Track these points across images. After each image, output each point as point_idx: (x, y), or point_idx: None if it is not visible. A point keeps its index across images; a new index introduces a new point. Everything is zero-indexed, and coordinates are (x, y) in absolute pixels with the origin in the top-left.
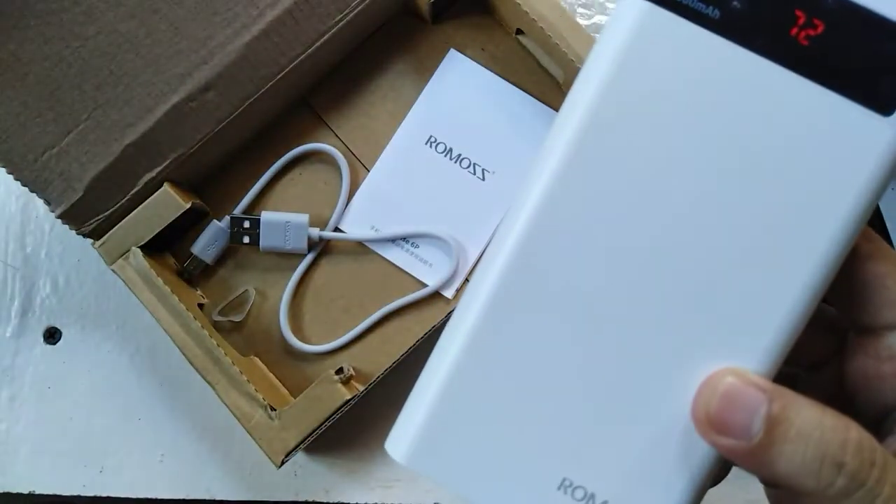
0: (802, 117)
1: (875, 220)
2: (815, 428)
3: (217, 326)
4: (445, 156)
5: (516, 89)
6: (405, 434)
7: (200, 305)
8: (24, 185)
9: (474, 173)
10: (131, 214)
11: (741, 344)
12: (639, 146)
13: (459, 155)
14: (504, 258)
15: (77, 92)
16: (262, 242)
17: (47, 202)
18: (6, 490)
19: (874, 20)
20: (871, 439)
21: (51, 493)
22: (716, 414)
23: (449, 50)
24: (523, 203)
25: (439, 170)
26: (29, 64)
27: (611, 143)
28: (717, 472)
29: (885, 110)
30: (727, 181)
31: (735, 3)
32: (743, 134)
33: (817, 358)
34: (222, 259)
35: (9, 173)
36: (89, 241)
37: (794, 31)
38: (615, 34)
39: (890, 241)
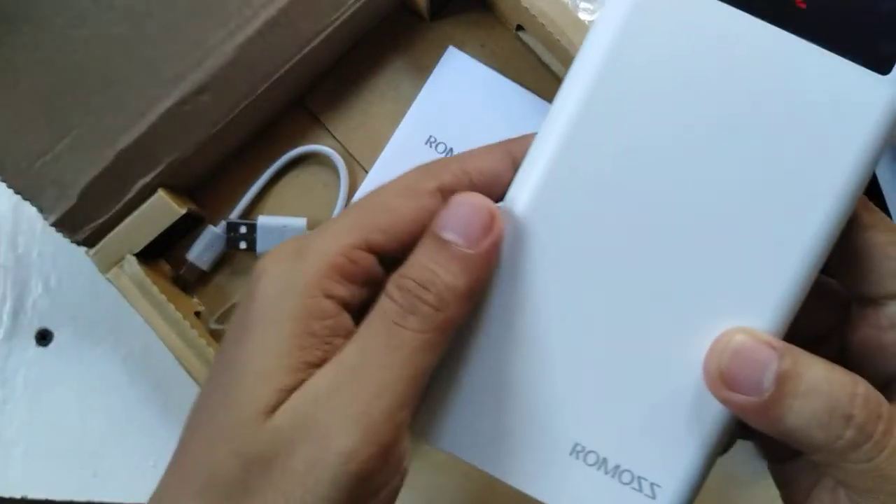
0: (802, 79)
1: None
2: (824, 382)
3: (214, 335)
4: (446, 155)
5: (517, 86)
6: (433, 418)
7: (197, 313)
8: (16, 192)
9: None
10: (125, 221)
11: (750, 304)
12: (643, 114)
13: None
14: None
15: (70, 97)
16: (260, 248)
17: (40, 210)
18: None
19: None
20: (877, 394)
21: (43, 497)
22: (727, 370)
23: (448, 47)
24: (517, 190)
25: None
26: (21, 70)
27: (613, 114)
28: (729, 436)
29: (882, 69)
30: (730, 145)
31: None
32: (744, 97)
33: (821, 329)
34: (219, 265)
35: (2, 181)
36: (83, 249)
37: None
38: (619, 2)
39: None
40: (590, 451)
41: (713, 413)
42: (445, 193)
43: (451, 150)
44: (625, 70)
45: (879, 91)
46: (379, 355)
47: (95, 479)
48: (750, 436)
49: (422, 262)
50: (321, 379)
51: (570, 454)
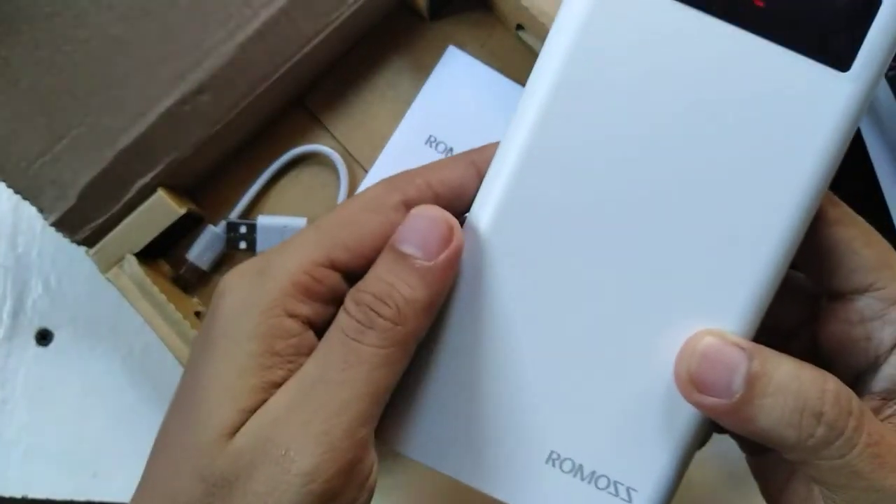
0: (763, 78)
1: (882, 212)
2: (793, 380)
3: None
4: (446, 155)
5: (518, 86)
6: (398, 423)
7: (197, 313)
8: (16, 192)
9: None
10: (125, 221)
11: (717, 306)
12: (603, 118)
13: None
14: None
15: (69, 97)
16: (259, 248)
17: (40, 210)
18: None
19: None
20: (847, 390)
21: (43, 497)
22: (696, 373)
23: (448, 47)
24: (481, 201)
25: None
26: (20, 70)
27: (574, 120)
28: (703, 434)
29: (842, 66)
30: (692, 146)
31: None
32: (706, 98)
33: (792, 325)
34: (219, 265)
35: (1, 181)
36: (83, 248)
37: None
38: (577, 3)
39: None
40: (565, 459)
41: (685, 415)
42: (410, 207)
43: (451, 149)
44: (584, 75)
45: (840, 88)
46: (337, 372)
47: (95, 479)
48: (725, 430)
49: (380, 276)
50: (281, 398)
51: (546, 462)
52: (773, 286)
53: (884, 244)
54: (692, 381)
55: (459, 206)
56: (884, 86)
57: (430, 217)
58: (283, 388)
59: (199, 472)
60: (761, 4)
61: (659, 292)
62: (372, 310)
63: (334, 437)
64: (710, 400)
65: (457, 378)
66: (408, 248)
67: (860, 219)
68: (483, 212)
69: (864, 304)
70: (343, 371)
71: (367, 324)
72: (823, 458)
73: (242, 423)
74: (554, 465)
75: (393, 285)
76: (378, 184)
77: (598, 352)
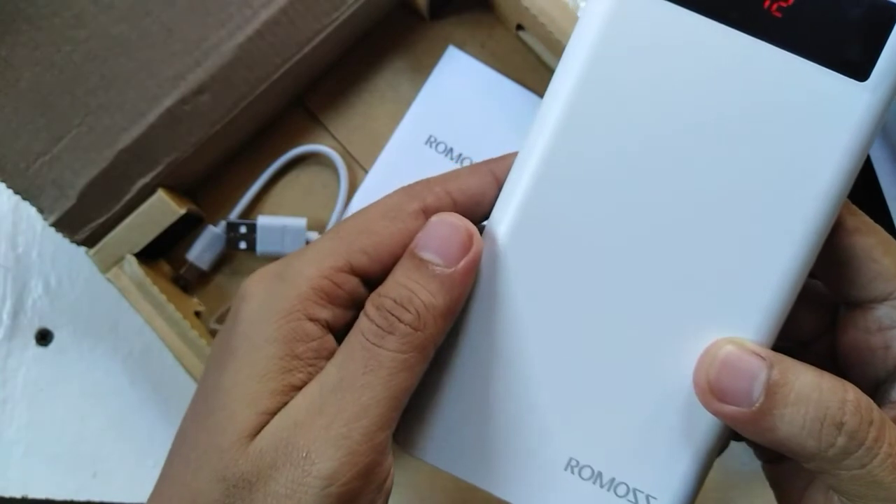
0: (782, 88)
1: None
2: (813, 390)
3: (214, 335)
4: (446, 155)
5: (518, 86)
6: (415, 429)
7: (197, 314)
8: (16, 192)
9: None
10: (125, 221)
11: (737, 314)
12: (622, 129)
13: (460, 154)
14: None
15: (69, 97)
16: (259, 248)
17: (40, 210)
18: None
19: None
20: (868, 399)
21: (43, 497)
22: (716, 381)
23: (448, 47)
24: (500, 209)
25: (439, 170)
26: (20, 69)
27: (592, 131)
28: (722, 443)
29: (859, 76)
30: (711, 156)
31: None
32: (725, 109)
33: (810, 334)
34: (218, 265)
35: (1, 181)
36: (83, 248)
37: (767, 3)
38: (595, 14)
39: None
40: (584, 466)
41: (705, 423)
42: (429, 214)
43: (451, 149)
44: (602, 86)
45: (858, 97)
46: (357, 376)
47: (95, 479)
48: (743, 438)
49: (400, 282)
50: (301, 401)
51: (565, 469)
52: (792, 295)
53: None
54: (711, 390)
55: (478, 215)
56: None
57: (450, 224)
58: (304, 391)
59: (220, 472)
60: (779, 15)
61: (678, 300)
62: (392, 314)
63: (354, 441)
64: (729, 408)
65: (474, 384)
66: (427, 255)
67: (879, 228)
68: (501, 220)
69: (883, 313)
70: (363, 375)
71: (387, 328)
72: (844, 467)
73: (263, 426)
74: (573, 472)
75: (413, 291)
76: (397, 191)
77: (616, 359)
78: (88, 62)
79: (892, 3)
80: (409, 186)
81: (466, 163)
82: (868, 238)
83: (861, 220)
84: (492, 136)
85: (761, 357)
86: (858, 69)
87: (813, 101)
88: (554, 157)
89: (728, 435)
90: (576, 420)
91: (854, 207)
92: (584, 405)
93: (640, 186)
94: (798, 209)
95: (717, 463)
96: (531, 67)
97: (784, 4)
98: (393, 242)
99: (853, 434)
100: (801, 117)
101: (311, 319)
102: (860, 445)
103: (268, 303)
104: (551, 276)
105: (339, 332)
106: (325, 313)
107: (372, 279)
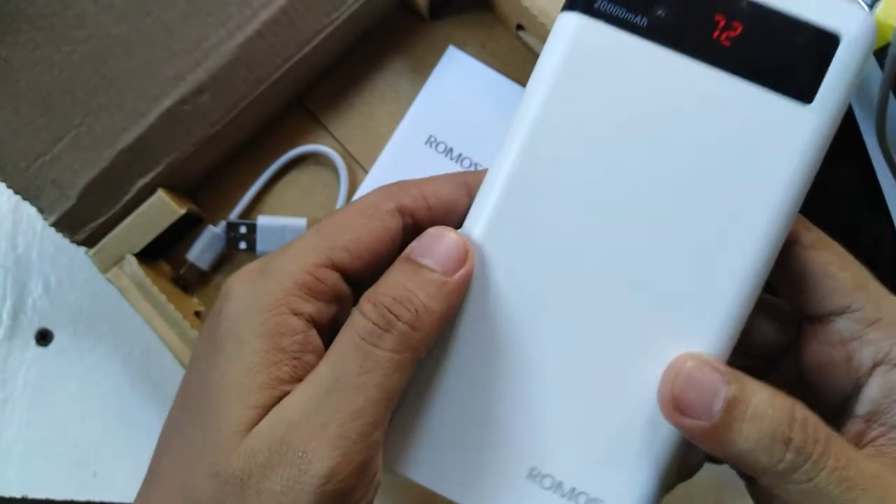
0: (734, 110)
1: (883, 213)
2: (767, 407)
3: None
4: (446, 156)
5: (518, 86)
6: (395, 444)
7: (197, 314)
8: (16, 192)
9: None
10: (125, 221)
11: (694, 329)
12: (583, 149)
13: (460, 154)
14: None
15: (69, 97)
16: (259, 248)
17: (40, 210)
18: None
19: (784, 19)
20: (815, 417)
21: (44, 497)
22: (680, 395)
23: (448, 47)
24: (473, 220)
25: (440, 170)
26: (20, 69)
27: (555, 149)
28: (682, 460)
29: (805, 99)
30: (667, 177)
31: (660, 11)
32: (679, 130)
33: (776, 350)
34: (218, 265)
35: (1, 181)
36: (83, 248)
37: (716, 33)
38: (559, 39)
39: None
40: (546, 475)
41: (664, 436)
42: (404, 214)
43: (451, 149)
44: (564, 108)
45: (805, 119)
46: (353, 377)
47: (95, 479)
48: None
49: (398, 282)
50: (296, 399)
51: (527, 478)
52: (746, 310)
53: (858, 267)
54: (675, 403)
55: (450, 222)
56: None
57: (449, 237)
58: (297, 389)
59: (213, 468)
60: (728, 44)
61: (638, 315)
62: (391, 312)
63: (350, 441)
64: (690, 421)
65: (447, 397)
66: (426, 262)
67: (835, 243)
68: (474, 230)
69: (843, 326)
70: (359, 377)
71: (384, 326)
72: (792, 481)
73: (254, 420)
74: (534, 481)
75: (412, 291)
76: (374, 191)
77: (579, 371)
78: (88, 62)
79: (834, 31)
80: (386, 187)
81: (466, 163)
82: (824, 253)
83: (816, 237)
84: (492, 136)
85: (721, 372)
86: (804, 92)
87: (762, 122)
88: (522, 175)
89: (687, 450)
90: (538, 430)
91: (810, 224)
92: (546, 416)
93: (600, 205)
94: (749, 227)
95: (714, 468)
96: (531, 67)
97: (732, 34)
98: (371, 238)
99: (800, 449)
100: (752, 138)
101: (296, 314)
102: (807, 460)
103: (252, 299)
104: (521, 289)
105: (322, 327)
106: (309, 308)
107: (352, 275)
